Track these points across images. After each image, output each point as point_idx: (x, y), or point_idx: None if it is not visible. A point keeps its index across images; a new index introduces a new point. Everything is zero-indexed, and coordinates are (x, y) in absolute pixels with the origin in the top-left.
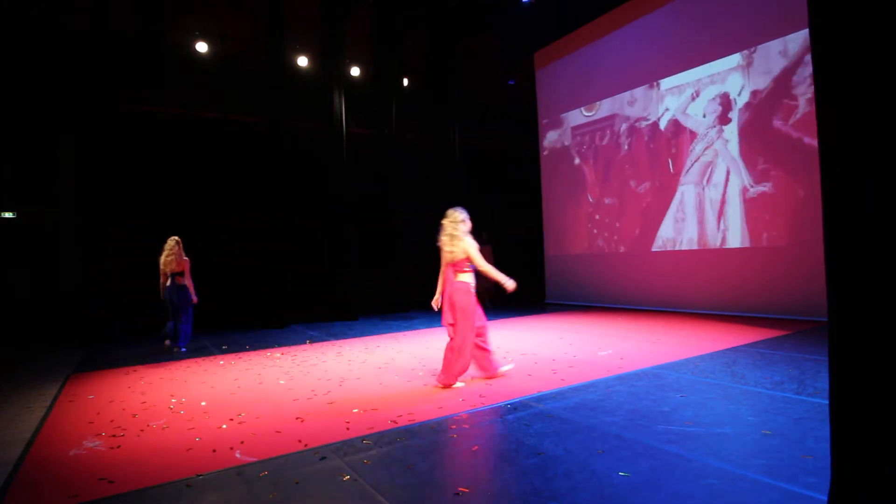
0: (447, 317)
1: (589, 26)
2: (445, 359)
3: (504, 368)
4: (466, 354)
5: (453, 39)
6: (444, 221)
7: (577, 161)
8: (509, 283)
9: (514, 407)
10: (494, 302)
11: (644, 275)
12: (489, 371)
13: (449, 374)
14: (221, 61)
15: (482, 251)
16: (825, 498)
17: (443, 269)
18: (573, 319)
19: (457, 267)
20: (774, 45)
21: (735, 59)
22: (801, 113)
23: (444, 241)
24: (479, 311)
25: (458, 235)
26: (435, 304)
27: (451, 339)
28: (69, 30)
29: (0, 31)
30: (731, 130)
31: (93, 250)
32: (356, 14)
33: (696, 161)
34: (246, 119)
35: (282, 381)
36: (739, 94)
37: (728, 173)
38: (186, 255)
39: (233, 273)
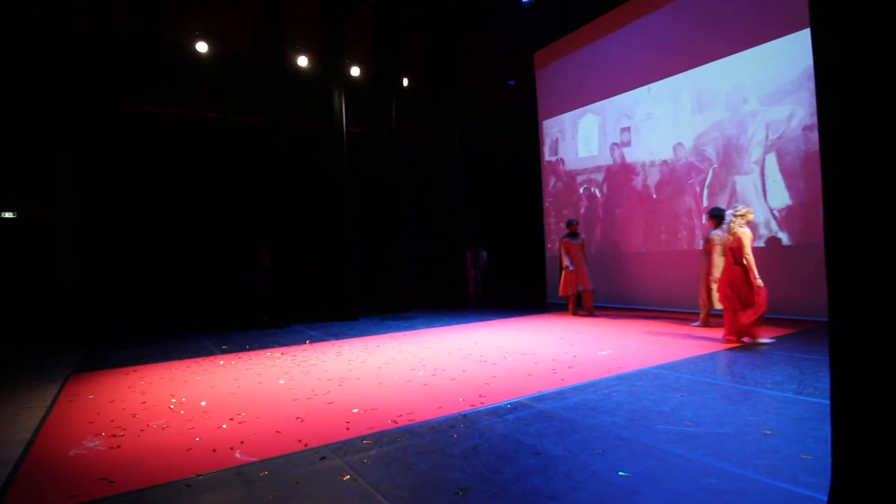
0: (729, 293)
1: (589, 26)
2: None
3: (763, 340)
4: (755, 314)
5: (453, 39)
6: (733, 213)
7: (577, 161)
8: (759, 281)
9: (514, 407)
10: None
11: (644, 275)
12: (733, 332)
13: (756, 331)
14: (221, 61)
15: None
16: (825, 498)
17: (725, 253)
18: (573, 319)
19: (736, 252)
20: (778, 44)
21: (736, 57)
22: (804, 114)
23: (729, 229)
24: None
25: (741, 227)
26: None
27: (743, 310)
28: (69, 30)
29: (0, 31)
30: (734, 130)
31: (93, 250)
32: (356, 14)
33: (697, 161)
34: (246, 119)
35: (282, 381)
36: (742, 93)
37: (730, 174)
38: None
39: (233, 273)
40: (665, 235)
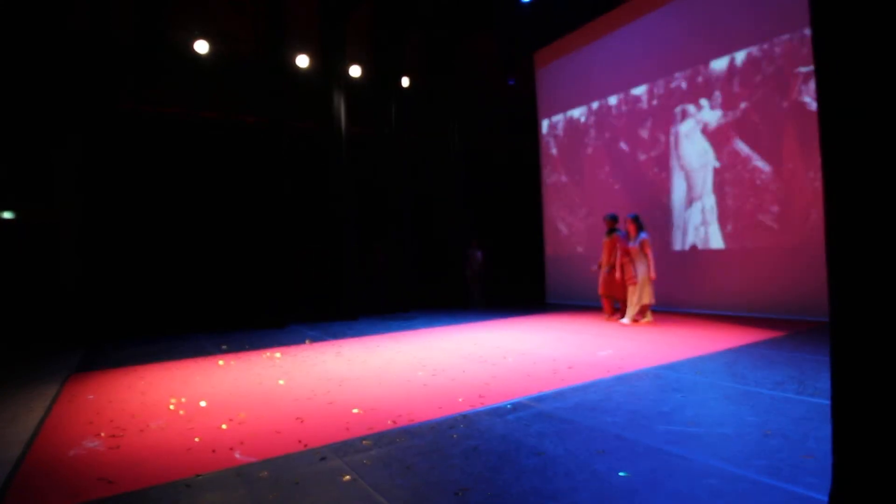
0: None
1: (589, 26)
2: None
3: None
4: None
5: (453, 39)
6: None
7: (577, 161)
8: None
9: (514, 407)
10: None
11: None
12: None
13: None
14: (221, 61)
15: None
16: (826, 498)
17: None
18: (573, 319)
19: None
20: (777, 44)
21: (736, 57)
22: (803, 112)
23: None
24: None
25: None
26: None
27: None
28: (69, 29)
29: (0, 31)
30: (734, 129)
31: (93, 250)
32: (356, 14)
33: (697, 161)
34: (246, 119)
35: (282, 381)
36: (742, 93)
37: (729, 174)
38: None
39: (233, 273)
40: (662, 235)
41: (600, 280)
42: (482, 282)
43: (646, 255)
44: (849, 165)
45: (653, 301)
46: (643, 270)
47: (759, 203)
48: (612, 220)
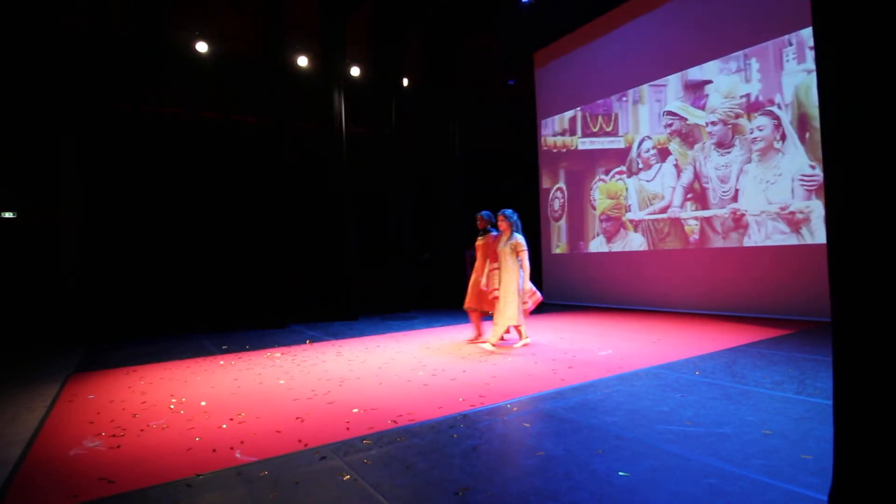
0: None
1: (589, 26)
2: None
3: None
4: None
5: (453, 39)
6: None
7: (575, 161)
8: None
9: (514, 407)
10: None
11: (644, 275)
12: None
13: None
14: (221, 61)
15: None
16: (825, 498)
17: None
18: (573, 319)
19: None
20: (776, 44)
21: (736, 57)
22: (803, 111)
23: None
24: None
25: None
26: None
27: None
28: (69, 30)
29: (1, 31)
30: (734, 128)
31: (93, 250)
32: (356, 14)
33: (695, 161)
34: (246, 119)
35: (282, 381)
36: (741, 93)
37: (729, 174)
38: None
39: (233, 273)
40: (661, 236)
41: (468, 291)
42: None
43: (518, 261)
44: (849, 165)
45: (521, 322)
46: (509, 279)
47: (758, 202)
48: (485, 219)
